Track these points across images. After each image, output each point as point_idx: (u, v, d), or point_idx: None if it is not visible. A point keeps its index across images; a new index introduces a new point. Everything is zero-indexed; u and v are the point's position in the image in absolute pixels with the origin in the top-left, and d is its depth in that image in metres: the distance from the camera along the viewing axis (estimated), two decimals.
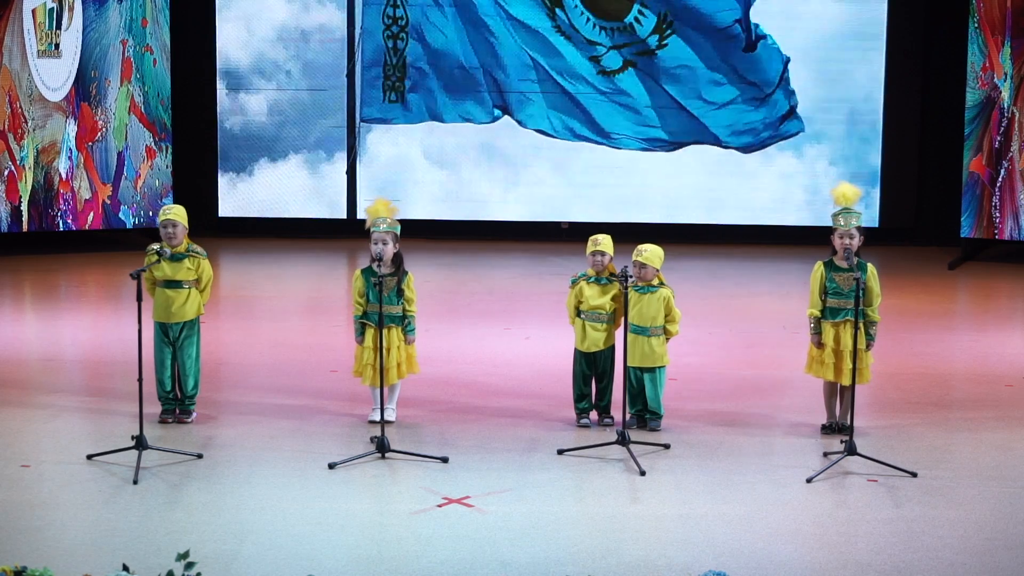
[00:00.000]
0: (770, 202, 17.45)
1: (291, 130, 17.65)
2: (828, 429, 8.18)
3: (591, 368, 8.30)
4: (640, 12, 16.95)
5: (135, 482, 6.98)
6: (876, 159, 17.30)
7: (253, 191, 17.74)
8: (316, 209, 17.77)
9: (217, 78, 17.61)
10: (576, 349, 8.32)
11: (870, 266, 8.04)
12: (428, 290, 12.51)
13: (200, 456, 7.46)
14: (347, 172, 17.62)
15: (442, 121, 17.36)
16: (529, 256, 16.21)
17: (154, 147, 16.71)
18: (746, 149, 17.25)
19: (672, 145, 17.24)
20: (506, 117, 17.30)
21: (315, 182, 17.71)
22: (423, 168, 17.64)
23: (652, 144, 17.26)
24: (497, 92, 17.10)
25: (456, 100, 17.26)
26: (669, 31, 16.89)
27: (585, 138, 17.29)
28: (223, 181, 17.76)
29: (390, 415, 8.18)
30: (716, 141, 17.19)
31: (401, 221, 8.23)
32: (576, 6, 17.00)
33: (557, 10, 16.97)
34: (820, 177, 17.17)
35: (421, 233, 16.21)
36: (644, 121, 17.13)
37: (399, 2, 17.21)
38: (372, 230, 8.04)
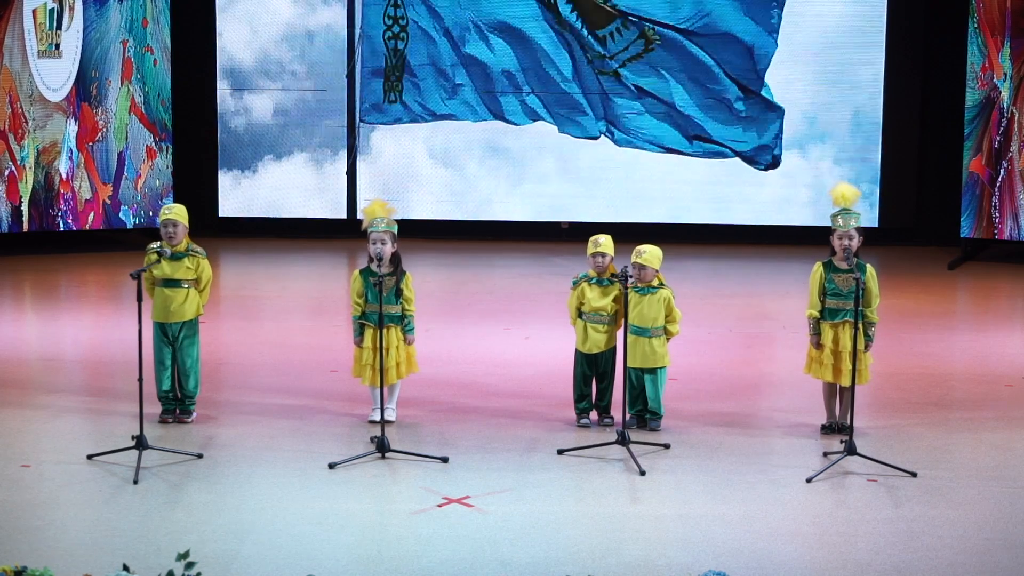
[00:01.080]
0: (773, 202, 17.43)
1: (293, 130, 17.64)
2: (828, 429, 8.18)
3: (592, 369, 8.29)
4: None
5: (135, 482, 6.98)
6: (876, 159, 17.30)
7: (255, 191, 17.74)
8: (317, 209, 17.77)
9: (217, 78, 17.61)
10: (577, 350, 8.32)
11: (869, 267, 8.04)
12: (429, 290, 12.51)
13: (200, 456, 7.46)
14: (347, 172, 17.62)
15: (553, 124, 17.25)
16: (530, 256, 16.21)
17: (154, 147, 16.72)
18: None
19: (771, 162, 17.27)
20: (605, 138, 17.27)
21: (316, 182, 17.71)
22: (426, 168, 17.64)
23: (758, 155, 17.23)
24: (601, 105, 17.05)
25: (562, 116, 17.19)
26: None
27: (678, 151, 17.21)
28: (226, 181, 17.75)
29: (390, 415, 8.18)
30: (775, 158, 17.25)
31: (403, 221, 8.24)
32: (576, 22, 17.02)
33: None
34: (824, 176, 17.15)
35: (423, 233, 16.23)
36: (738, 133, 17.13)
37: (400, 2, 17.21)
38: (370, 230, 8.04)
